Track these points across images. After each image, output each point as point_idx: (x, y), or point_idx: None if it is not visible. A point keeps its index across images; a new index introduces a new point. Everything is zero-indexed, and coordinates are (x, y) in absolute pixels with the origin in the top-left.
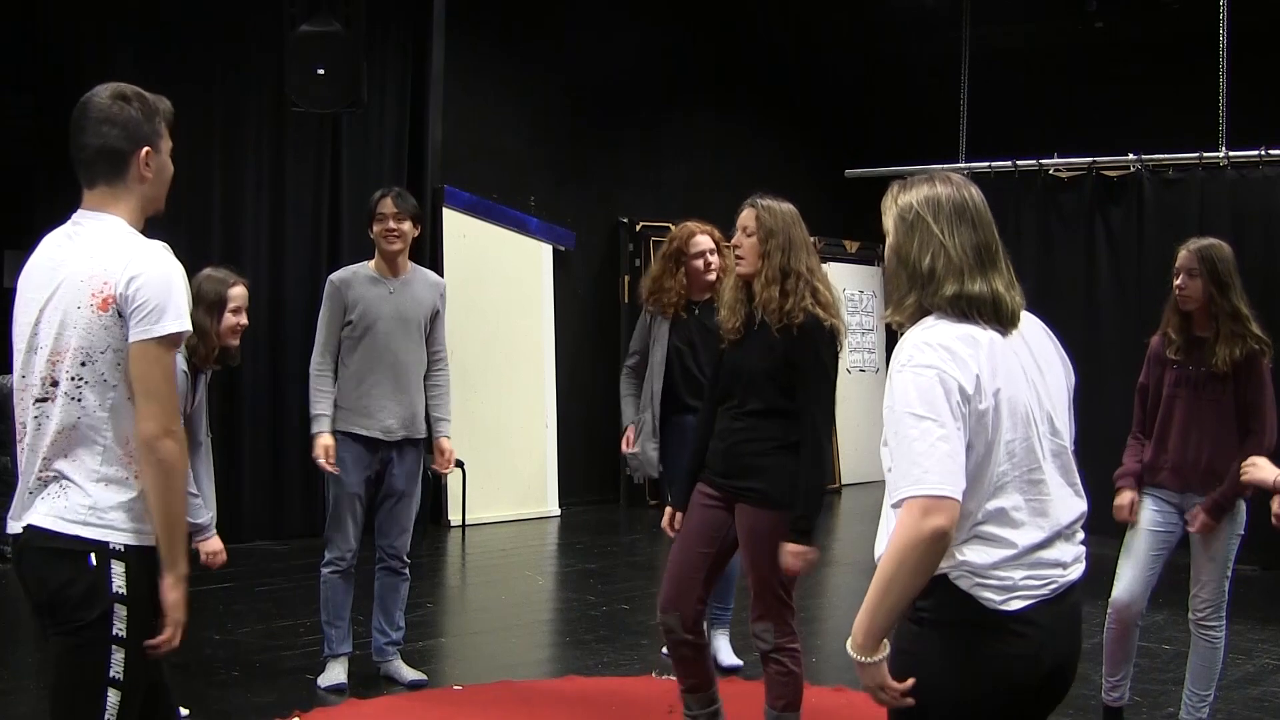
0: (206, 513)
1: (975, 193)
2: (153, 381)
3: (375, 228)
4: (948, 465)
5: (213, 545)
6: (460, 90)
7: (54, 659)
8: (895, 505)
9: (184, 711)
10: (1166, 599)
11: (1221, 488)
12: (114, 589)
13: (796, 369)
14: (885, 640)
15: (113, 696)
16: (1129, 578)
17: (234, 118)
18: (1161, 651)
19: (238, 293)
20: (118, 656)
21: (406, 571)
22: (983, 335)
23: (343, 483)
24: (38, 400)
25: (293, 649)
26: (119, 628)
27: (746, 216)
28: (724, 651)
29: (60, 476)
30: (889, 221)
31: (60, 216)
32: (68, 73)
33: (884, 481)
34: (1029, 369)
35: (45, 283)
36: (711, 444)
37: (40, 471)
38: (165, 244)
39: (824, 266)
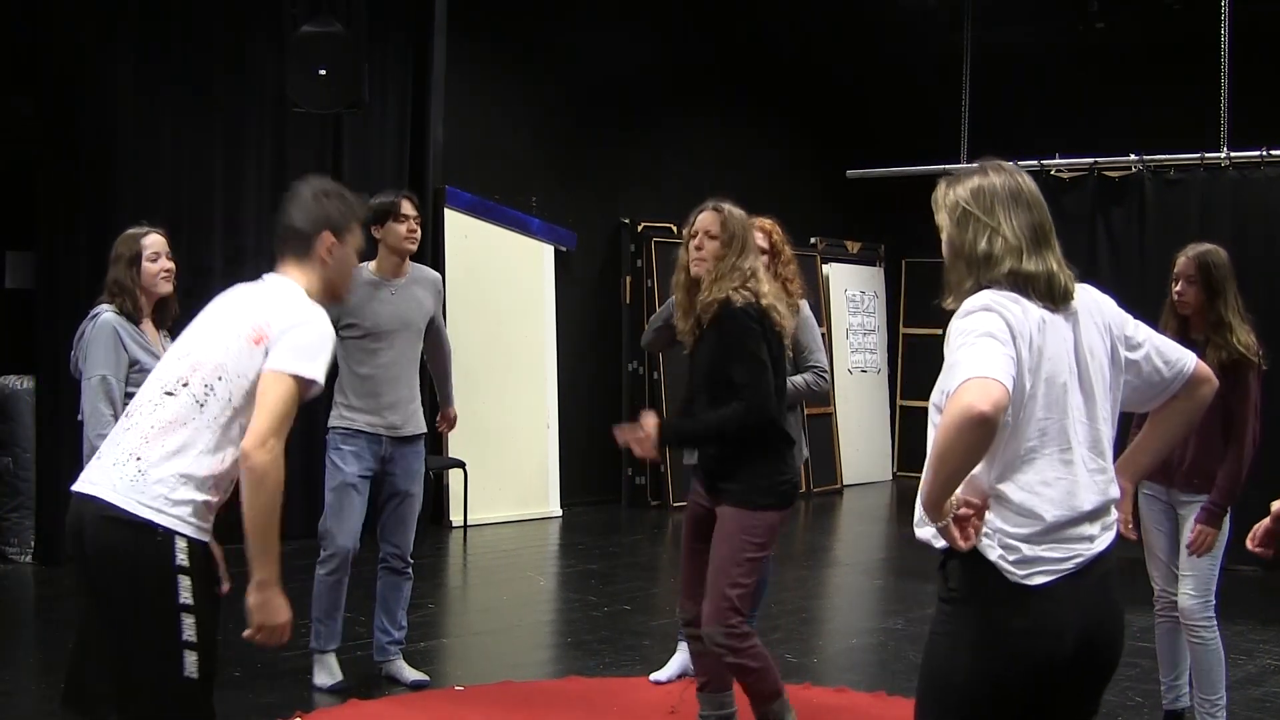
0: None
1: (1026, 177)
2: (269, 399)
3: (398, 227)
4: (1002, 363)
5: None
6: (462, 91)
7: (130, 630)
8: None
9: None
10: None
11: (1212, 495)
12: (178, 561)
13: (729, 356)
14: (950, 502)
15: (190, 656)
16: (1159, 578)
17: (235, 118)
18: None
19: (151, 240)
20: (188, 621)
21: (409, 571)
22: (1034, 310)
23: (343, 472)
24: (165, 392)
25: (294, 649)
26: (185, 596)
27: (709, 220)
28: None
29: (148, 461)
30: (942, 218)
31: (61, 217)
32: (69, 74)
33: (886, 481)
34: (1071, 353)
35: (220, 312)
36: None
37: (133, 450)
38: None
39: (825, 267)
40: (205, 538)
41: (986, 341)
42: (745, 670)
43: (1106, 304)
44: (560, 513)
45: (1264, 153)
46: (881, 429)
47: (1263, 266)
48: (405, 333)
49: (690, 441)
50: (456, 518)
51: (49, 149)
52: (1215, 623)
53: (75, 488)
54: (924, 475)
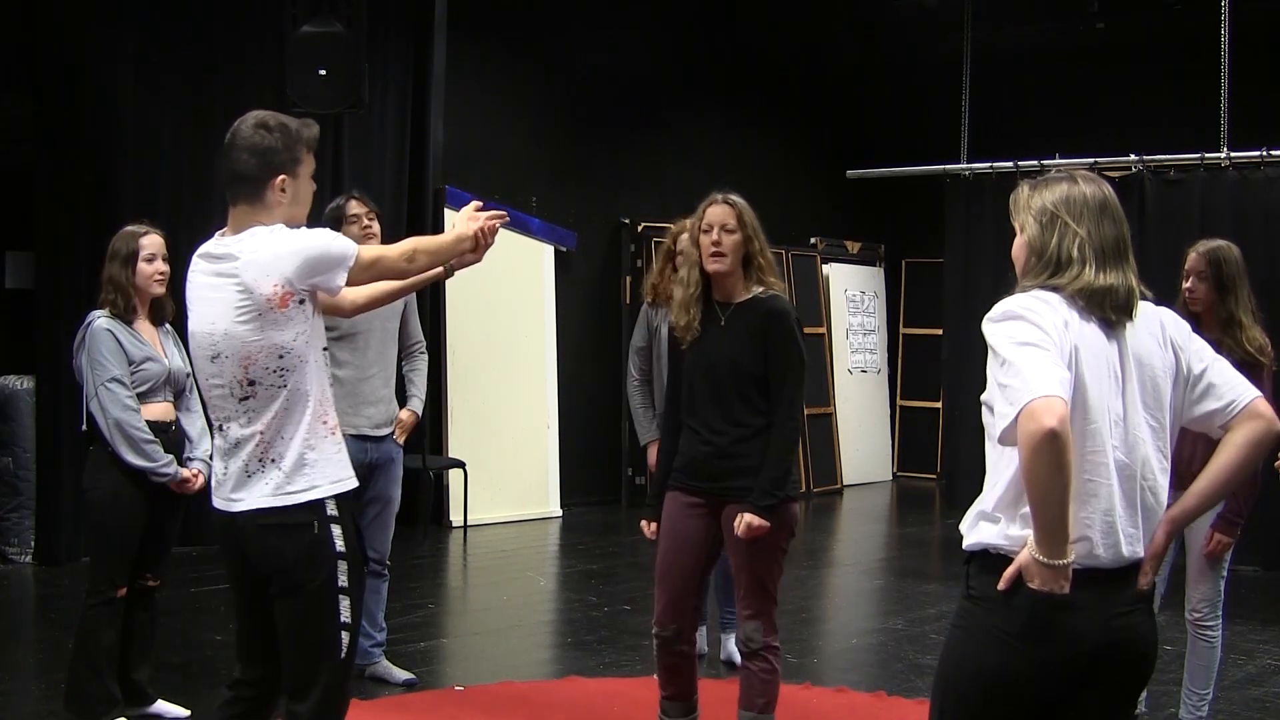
0: (196, 460)
1: (1110, 189)
2: (372, 255)
3: (350, 229)
4: (1048, 370)
5: (184, 473)
6: (462, 91)
7: (290, 616)
8: (1005, 435)
9: (185, 712)
10: (1165, 600)
11: (1229, 503)
12: (336, 549)
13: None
14: (1071, 544)
15: (346, 638)
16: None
17: (235, 118)
18: (1162, 652)
19: (149, 241)
20: (345, 603)
21: (387, 573)
22: (1061, 307)
23: None
24: (241, 399)
25: None
26: (343, 580)
27: (726, 214)
28: (739, 655)
29: (278, 459)
30: (1026, 218)
31: (61, 217)
32: (68, 73)
33: (886, 481)
34: (1116, 360)
35: (212, 298)
36: (690, 449)
37: (260, 457)
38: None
39: (825, 267)
40: (348, 485)
41: (1028, 353)
42: (770, 669)
43: (1171, 319)
44: (560, 513)
45: (1264, 153)
46: (881, 429)
47: (1263, 266)
48: (380, 332)
49: (783, 484)
50: (456, 518)
51: (49, 149)
52: (1222, 623)
53: (219, 506)
54: (1034, 514)
